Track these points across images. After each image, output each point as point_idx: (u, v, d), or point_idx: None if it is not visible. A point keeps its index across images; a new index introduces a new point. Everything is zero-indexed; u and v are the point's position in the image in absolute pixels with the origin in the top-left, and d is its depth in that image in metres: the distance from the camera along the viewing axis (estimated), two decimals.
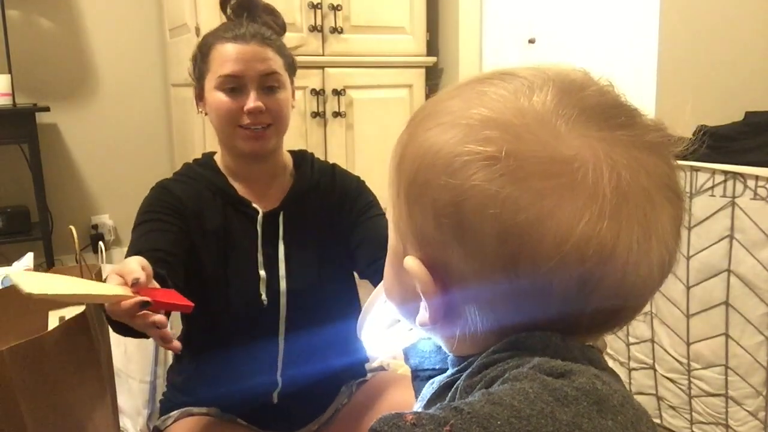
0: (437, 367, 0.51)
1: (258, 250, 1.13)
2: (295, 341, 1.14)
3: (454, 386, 0.42)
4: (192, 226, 1.11)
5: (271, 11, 1.20)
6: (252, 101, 1.07)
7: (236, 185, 1.15)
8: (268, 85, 1.10)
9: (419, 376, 0.52)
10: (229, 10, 1.18)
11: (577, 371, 0.35)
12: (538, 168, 0.37)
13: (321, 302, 1.16)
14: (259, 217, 1.13)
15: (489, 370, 0.38)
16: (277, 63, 1.11)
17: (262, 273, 1.12)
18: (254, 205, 1.14)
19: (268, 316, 1.13)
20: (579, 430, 0.31)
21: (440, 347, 0.50)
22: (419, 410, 0.34)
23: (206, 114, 1.15)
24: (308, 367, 1.15)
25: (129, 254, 1.03)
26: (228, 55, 1.08)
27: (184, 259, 1.07)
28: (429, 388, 0.48)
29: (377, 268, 1.10)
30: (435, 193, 0.39)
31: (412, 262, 0.41)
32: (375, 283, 1.14)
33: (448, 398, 0.42)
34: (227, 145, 1.14)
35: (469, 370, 0.40)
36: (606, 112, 0.39)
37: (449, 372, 0.46)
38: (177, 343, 0.85)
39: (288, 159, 1.21)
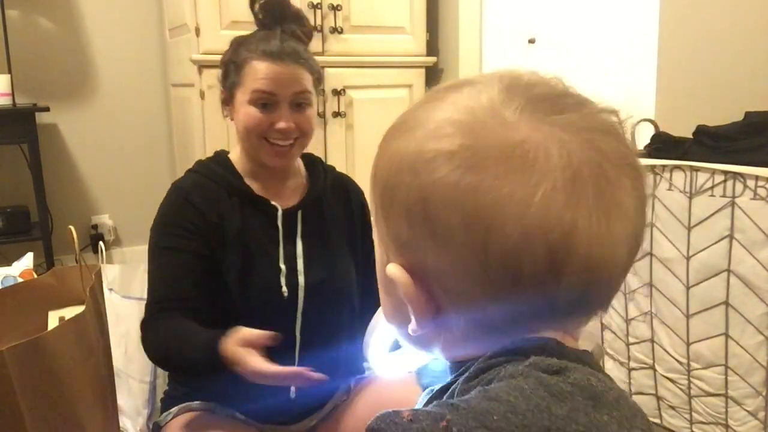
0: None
1: (279, 245, 1.16)
2: (310, 335, 1.17)
3: (450, 389, 0.42)
4: (213, 236, 1.13)
5: (299, 17, 1.21)
6: (284, 122, 1.12)
7: (252, 185, 1.19)
8: (298, 102, 1.14)
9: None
10: (257, 8, 1.19)
11: (572, 368, 0.36)
12: (492, 154, 0.39)
13: (337, 297, 1.20)
14: (279, 214, 1.17)
15: (486, 374, 0.39)
16: (308, 82, 1.15)
17: (283, 266, 1.15)
18: (273, 203, 1.17)
19: (286, 309, 1.15)
20: (575, 424, 0.32)
21: (450, 366, 0.50)
22: (416, 408, 0.34)
23: (232, 119, 1.18)
24: (323, 361, 1.17)
25: (158, 296, 1.10)
26: (263, 74, 1.11)
27: (205, 287, 1.13)
28: (427, 395, 0.48)
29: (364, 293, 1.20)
30: (404, 194, 0.42)
31: (393, 268, 0.43)
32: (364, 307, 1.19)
33: (445, 398, 0.43)
34: (250, 154, 1.18)
35: (466, 374, 0.41)
36: (553, 99, 0.41)
37: (448, 379, 0.46)
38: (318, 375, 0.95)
39: (299, 162, 1.25)
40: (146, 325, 1.11)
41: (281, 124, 1.12)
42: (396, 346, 0.59)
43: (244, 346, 0.95)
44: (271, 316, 1.13)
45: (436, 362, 0.53)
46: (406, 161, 0.42)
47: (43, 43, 2.88)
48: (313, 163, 1.26)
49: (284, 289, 1.14)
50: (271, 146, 1.14)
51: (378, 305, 0.51)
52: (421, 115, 0.44)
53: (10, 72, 2.61)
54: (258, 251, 1.14)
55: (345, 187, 1.27)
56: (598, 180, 0.39)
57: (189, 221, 1.12)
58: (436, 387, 0.47)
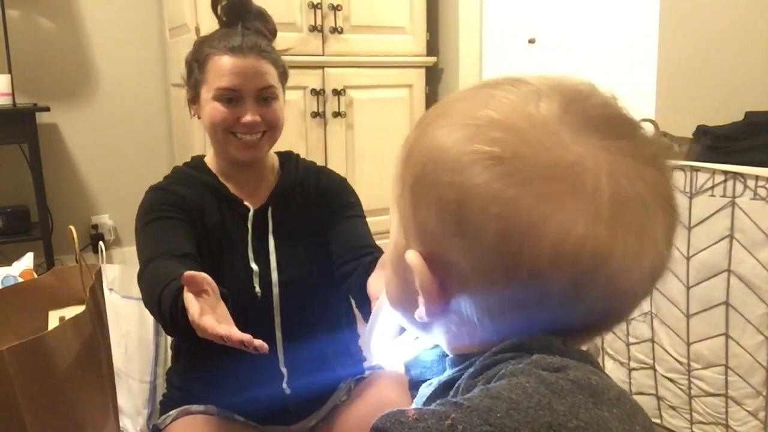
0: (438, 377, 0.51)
1: (248, 245, 1.16)
2: (291, 331, 1.17)
3: (455, 385, 0.42)
4: (195, 219, 1.14)
5: (262, 15, 1.22)
6: (249, 115, 1.11)
7: (227, 184, 1.19)
8: (264, 96, 1.13)
9: (418, 387, 0.52)
10: (220, 11, 1.19)
11: (572, 366, 0.36)
12: (541, 171, 0.38)
13: (312, 292, 1.20)
14: (250, 214, 1.17)
15: (491, 371, 0.39)
16: (272, 76, 1.14)
17: (254, 266, 1.15)
18: (245, 203, 1.18)
19: (262, 307, 1.16)
20: (576, 419, 0.32)
21: (441, 357, 0.50)
22: (421, 407, 0.35)
23: (199, 118, 1.18)
24: (309, 354, 1.18)
25: (148, 255, 1.05)
26: (226, 69, 1.11)
27: (197, 252, 1.10)
28: (427, 388, 0.48)
29: (344, 272, 1.14)
30: (440, 189, 0.40)
31: (412, 255, 0.42)
32: (341, 287, 1.17)
33: (450, 396, 0.42)
34: (219, 151, 1.18)
35: (471, 370, 0.41)
36: (609, 122, 0.41)
37: (448, 372, 0.46)
38: (259, 342, 0.85)
39: (274, 159, 1.25)
40: (139, 278, 1.08)
41: (247, 118, 1.11)
42: (397, 334, 0.59)
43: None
44: (248, 317, 1.13)
45: (426, 353, 0.53)
46: (448, 156, 0.40)
47: (43, 43, 2.88)
48: (288, 160, 1.26)
49: (257, 289, 1.14)
50: (238, 140, 1.13)
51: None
52: (470, 108, 0.42)
53: (10, 72, 2.61)
54: (230, 250, 1.15)
55: (317, 174, 1.25)
56: (640, 214, 0.39)
57: (171, 201, 1.13)
58: (435, 380, 0.47)
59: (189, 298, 0.83)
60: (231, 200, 1.17)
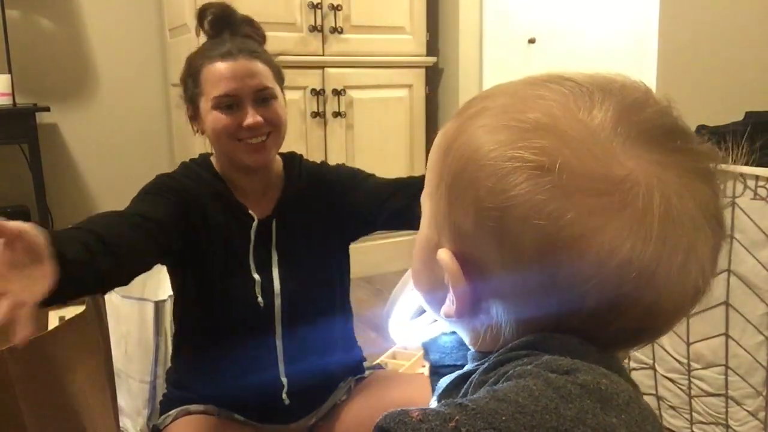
0: (458, 363, 0.50)
1: (250, 255, 1.14)
2: (292, 341, 1.16)
3: (469, 379, 0.42)
4: (197, 216, 1.12)
5: (250, 22, 1.21)
6: (250, 117, 1.09)
7: (233, 189, 1.17)
8: (262, 97, 1.12)
9: (438, 372, 0.52)
10: (206, 26, 1.18)
11: (582, 369, 0.35)
12: (589, 185, 0.36)
13: (314, 303, 1.19)
14: (254, 224, 1.15)
15: (504, 367, 0.38)
16: (267, 76, 1.13)
17: (257, 276, 1.14)
18: (250, 211, 1.16)
19: (264, 317, 1.15)
20: (583, 426, 0.31)
21: (461, 344, 0.50)
22: (424, 407, 0.34)
23: (203, 133, 1.16)
24: (309, 365, 1.17)
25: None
26: (220, 75, 1.09)
27: (174, 233, 1.05)
28: (445, 380, 0.48)
29: (393, 209, 1.13)
30: (480, 193, 0.39)
31: (445, 255, 0.41)
32: (391, 221, 1.15)
33: (462, 391, 0.42)
34: (228, 158, 1.15)
35: (486, 365, 0.40)
36: (663, 134, 0.39)
37: (468, 366, 0.46)
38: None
39: (279, 164, 1.23)
40: None
41: (249, 120, 1.09)
42: (417, 315, 0.59)
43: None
44: (249, 325, 1.14)
45: (445, 338, 0.53)
46: (491, 160, 0.38)
47: (43, 43, 2.88)
48: (291, 164, 1.23)
49: (260, 299, 1.13)
50: (245, 145, 1.11)
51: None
52: (517, 107, 0.40)
53: (10, 72, 2.61)
54: (234, 257, 1.14)
55: (321, 178, 1.23)
56: (688, 233, 0.37)
57: (171, 187, 1.11)
58: (454, 375, 0.47)
59: None
60: (235, 207, 1.15)
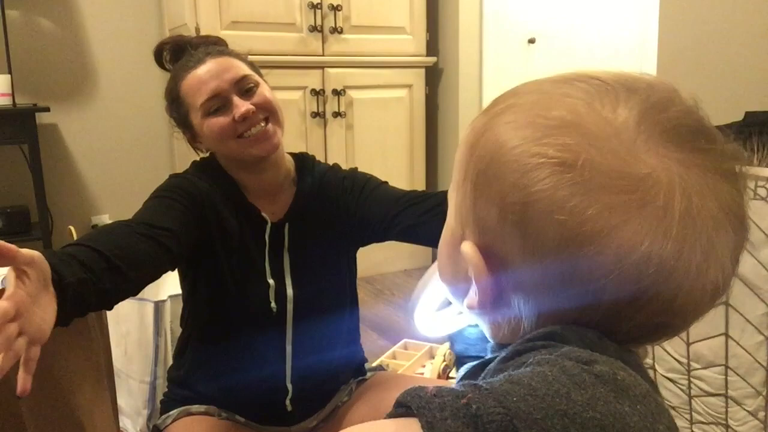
0: (482, 355, 0.51)
1: (265, 259, 1.14)
2: (301, 345, 1.16)
3: (487, 368, 0.42)
4: (211, 219, 1.10)
5: (207, 37, 1.20)
6: (240, 108, 1.07)
7: (244, 192, 1.15)
8: (246, 88, 1.10)
9: (463, 363, 0.52)
10: (167, 59, 1.17)
11: (601, 361, 0.35)
12: (611, 182, 0.37)
13: (326, 307, 1.18)
14: (268, 227, 1.14)
15: (521, 357, 0.38)
16: (241, 67, 1.11)
17: (271, 281, 1.13)
18: (263, 214, 1.14)
19: (276, 322, 1.14)
20: (592, 411, 0.32)
21: (485, 336, 0.50)
22: (440, 386, 0.35)
23: (207, 150, 1.15)
24: (315, 370, 1.17)
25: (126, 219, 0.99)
26: (197, 82, 1.09)
27: (187, 240, 1.03)
28: (465, 369, 0.48)
29: (404, 225, 1.10)
30: (504, 188, 0.40)
31: (468, 248, 0.42)
32: (399, 237, 1.13)
33: (479, 378, 0.42)
34: (237, 160, 1.13)
35: (504, 354, 0.40)
36: (688, 133, 0.39)
37: (487, 357, 0.47)
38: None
39: (290, 164, 1.21)
40: None
41: (240, 110, 1.07)
42: (442, 306, 0.59)
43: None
44: (260, 329, 1.13)
45: (471, 330, 0.54)
46: (515, 156, 0.39)
47: (43, 43, 2.88)
48: (303, 166, 1.21)
49: (273, 304, 1.13)
50: (248, 139, 1.09)
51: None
52: (543, 105, 0.41)
53: (10, 72, 2.61)
54: (248, 260, 1.13)
55: (334, 182, 1.21)
56: (709, 232, 0.38)
57: (184, 190, 1.09)
58: (473, 364, 0.47)
59: (9, 279, 0.70)
60: (249, 210, 1.14)
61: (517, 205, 0.39)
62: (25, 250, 0.69)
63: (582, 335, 0.39)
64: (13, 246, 0.67)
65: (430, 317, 0.60)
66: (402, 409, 0.34)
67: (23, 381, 0.68)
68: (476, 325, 0.53)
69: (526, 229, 0.39)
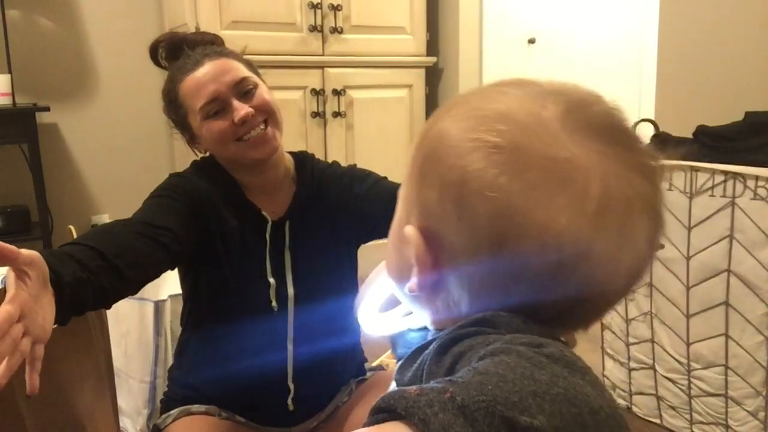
0: None
1: (266, 258, 1.13)
2: (303, 345, 1.16)
3: (424, 353, 0.45)
4: (211, 219, 1.10)
5: (202, 33, 1.19)
6: (239, 111, 1.07)
7: (244, 190, 1.15)
8: (244, 90, 1.09)
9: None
10: (163, 56, 1.16)
11: (546, 344, 0.39)
12: (536, 162, 0.41)
13: (327, 306, 1.17)
14: (268, 226, 1.14)
15: (456, 347, 0.41)
16: (240, 68, 1.10)
17: (272, 280, 1.13)
18: (264, 213, 1.14)
19: (277, 321, 1.14)
20: (557, 387, 0.36)
21: (434, 335, 0.52)
22: (421, 386, 0.37)
23: (206, 150, 1.15)
24: (317, 371, 1.17)
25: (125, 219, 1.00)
26: (195, 85, 1.08)
27: (187, 240, 1.03)
28: (402, 362, 0.51)
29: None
30: (444, 170, 0.44)
31: (411, 230, 0.46)
32: None
33: (418, 361, 0.45)
34: (237, 162, 1.13)
35: (437, 346, 0.43)
36: (608, 130, 0.44)
37: (423, 343, 0.49)
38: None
39: (290, 163, 1.21)
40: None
41: (239, 114, 1.06)
42: (387, 307, 0.60)
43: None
44: (261, 328, 1.13)
45: (413, 334, 0.55)
46: (455, 141, 0.44)
47: (43, 43, 2.88)
48: (303, 164, 1.21)
49: (274, 303, 1.13)
50: (248, 142, 1.09)
51: None
52: (480, 102, 0.46)
53: (10, 72, 2.61)
54: (249, 259, 1.13)
55: (334, 179, 1.21)
56: (624, 216, 0.42)
57: (184, 190, 1.08)
58: (409, 352, 0.49)
59: (10, 281, 0.69)
60: (249, 209, 1.14)
61: (455, 184, 0.43)
62: (25, 251, 0.70)
63: (509, 321, 0.42)
64: (13, 247, 0.68)
65: (374, 315, 0.61)
66: (383, 414, 0.35)
67: (32, 380, 0.69)
68: (420, 329, 0.54)
69: (462, 208, 0.43)
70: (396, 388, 0.37)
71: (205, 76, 1.08)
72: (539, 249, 0.41)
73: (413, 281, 0.46)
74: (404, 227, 0.47)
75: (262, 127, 1.10)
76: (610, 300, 0.45)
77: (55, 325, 0.75)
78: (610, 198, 0.41)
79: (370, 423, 0.36)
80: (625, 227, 0.42)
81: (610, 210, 0.41)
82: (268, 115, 1.11)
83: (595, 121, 0.43)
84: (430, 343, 0.45)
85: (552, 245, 0.41)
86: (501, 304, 0.43)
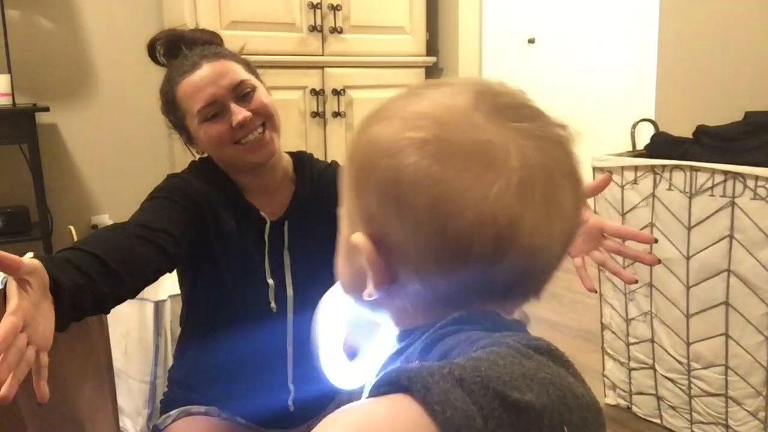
0: None
1: (265, 259, 1.13)
2: (303, 346, 1.15)
3: (404, 354, 0.48)
4: (209, 220, 1.09)
5: (201, 30, 1.18)
6: (237, 115, 1.06)
7: (243, 191, 1.15)
8: (242, 93, 1.09)
9: None
10: (161, 54, 1.16)
11: (534, 338, 0.44)
12: (459, 149, 0.45)
13: None
14: (267, 226, 1.13)
15: (439, 345, 0.45)
16: (238, 71, 1.10)
17: (270, 281, 1.13)
18: (262, 213, 1.14)
19: (276, 322, 1.14)
20: (543, 372, 0.40)
21: (398, 335, 0.54)
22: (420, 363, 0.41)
23: (204, 151, 1.15)
24: (318, 373, 1.16)
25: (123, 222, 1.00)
26: (193, 88, 1.08)
27: (185, 241, 1.03)
28: (376, 369, 0.53)
29: None
30: (379, 174, 0.47)
31: (359, 237, 0.48)
32: None
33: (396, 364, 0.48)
34: (234, 164, 1.13)
35: (420, 345, 0.47)
36: (516, 109, 0.48)
37: (397, 346, 0.52)
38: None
39: (288, 163, 1.20)
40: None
41: (237, 118, 1.06)
42: (351, 356, 0.61)
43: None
44: (261, 330, 1.12)
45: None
46: (384, 145, 0.47)
47: (43, 43, 2.88)
48: (301, 165, 1.21)
49: (272, 304, 1.13)
50: (245, 145, 1.09)
51: None
52: (400, 107, 0.49)
53: (10, 72, 2.61)
54: (247, 260, 1.12)
55: (333, 179, 1.19)
56: (545, 183, 0.46)
57: (182, 191, 1.08)
58: (387, 359, 0.52)
59: (11, 290, 0.70)
60: (247, 209, 1.13)
61: (391, 184, 0.46)
62: (26, 260, 0.70)
63: (485, 315, 0.47)
64: (16, 257, 0.69)
65: (343, 367, 0.62)
66: (385, 388, 0.38)
67: (40, 388, 0.70)
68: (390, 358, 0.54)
69: (401, 204, 0.46)
70: (398, 366, 0.39)
71: (203, 79, 1.07)
72: (478, 224, 0.44)
73: (370, 286, 0.49)
74: (351, 237, 0.49)
75: (260, 130, 1.09)
76: (552, 264, 0.49)
77: (54, 332, 0.76)
78: (530, 168, 0.45)
79: (372, 397, 0.38)
80: (549, 193, 0.46)
81: (533, 179, 0.45)
82: (266, 118, 1.11)
83: (502, 102, 0.48)
84: (404, 349, 0.49)
85: (488, 218, 0.44)
86: (457, 286, 0.47)
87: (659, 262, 0.99)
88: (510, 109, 0.47)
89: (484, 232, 0.44)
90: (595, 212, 1.03)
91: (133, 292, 0.92)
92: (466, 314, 0.47)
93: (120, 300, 0.89)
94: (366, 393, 0.40)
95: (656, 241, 1.04)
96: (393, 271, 0.48)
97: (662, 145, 1.73)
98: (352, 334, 0.70)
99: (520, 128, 0.46)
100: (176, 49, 1.15)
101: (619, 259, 1.02)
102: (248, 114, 1.07)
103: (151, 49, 1.17)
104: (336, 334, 0.59)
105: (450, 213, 0.44)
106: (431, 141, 0.45)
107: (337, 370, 0.63)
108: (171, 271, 1.07)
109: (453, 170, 0.45)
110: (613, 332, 1.84)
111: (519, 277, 0.47)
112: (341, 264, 0.55)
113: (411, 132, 0.46)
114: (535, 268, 0.48)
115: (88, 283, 0.81)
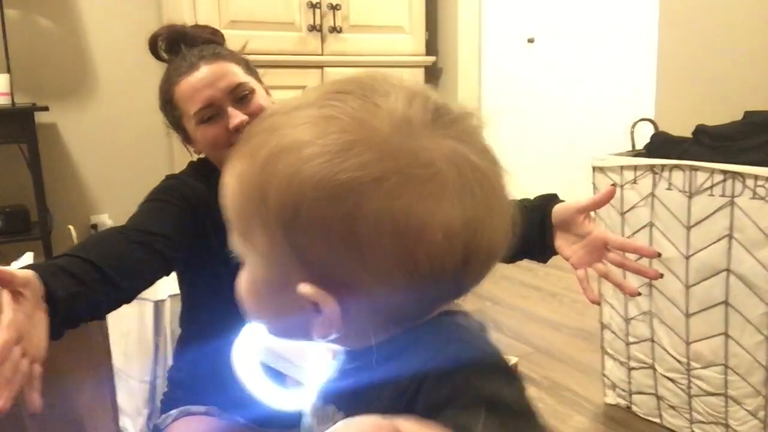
0: None
1: None
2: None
3: (361, 372, 0.48)
4: (207, 221, 1.09)
5: (203, 27, 1.18)
6: (234, 119, 1.05)
7: None
8: (240, 96, 1.08)
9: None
10: (163, 49, 1.15)
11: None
12: (413, 178, 0.42)
13: None
14: None
15: (406, 356, 0.45)
16: (236, 73, 1.09)
17: None
18: None
19: None
20: (502, 355, 0.45)
21: (348, 354, 0.52)
22: None
23: (201, 151, 1.15)
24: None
25: (120, 226, 1.00)
26: (190, 90, 1.07)
27: (183, 244, 1.03)
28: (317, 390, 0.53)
29: None
30: (326, 221, 0.42)
31: (307, 288, 0.44)
32: None
33: (385, 396, 0.46)
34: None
35: (383, 361, 0.46)
36: (440, 115, 0.45)
37: (347, 366, 0.51)
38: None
39: None
40: None
41: (234, 122, 1.05)
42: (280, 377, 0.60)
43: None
44: None
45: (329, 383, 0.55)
46: (325, 189, 0.41)
47: (42, 43, 2.87)
48: None
49: None
50: None
51: None
52: (317, 134, 0.43)
53: (9, 72, 2.61)
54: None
55: None
56: (486, 186, 0.45)
57: (179, 192, 1.08)
58: (328, 380, 0.52)
59: (4, 303, 0.70)
60: None
61: (346, 230, 0.42)
62: (20, 272, 0.70)
63: (439, 323, 0.48)
64: (10, 269, 0.69)
65: (271, 390, 0.62)
66: None
67: (32, 399, 0.70)
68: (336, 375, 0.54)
69: (361, 246, 0.42)
70: None
71: (200, 81, 1.06)
72: (447, 245, 0.43)
73: (327, 328, 0.45)
74: (284, 288, 0.45)
75: None
76: (498, 255, 0.49)
77: (48, 340, 0.75)
78: (465, 175, 0.44)
79: None
80: (485, 191, 0.45)
81: (470, 183, 0.44)
82: None
83: (426, 118, 0.45)
84: (360, 368, 0.49)
85: (456, 237, 0.43)
86: (421, 302, 0.46)
87: (662, 276, 0.98)
88: (438, 116, 0.45)
89: (454, 248, 0.44)
90: (595, 213, 1.02)
91: (129, 298, 0.92)
92: (422, 326, 0.47)
93: (116, 306, 0.90)
94: (312, 414, 0.41)
95: (660, 255, 1.03)
96: (351, 307, 0.45)
97: (662, 145, 1.73)
98: (273, 362, 0.69)
99: (451, 135, 0.45)
100: (177, 45, 1.14)
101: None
102: (245, 118, 1.06)
103: (153, 45, 1.17)
104: (255, 366, 0.58)
105: (418, 242, 0.43)
106: (384, 177, 0.42)
107: (269, 395, 0.62)
108: (168, 275, 1.07)
109: (414, 202, 0.42)
110: (613, 332, 1.84)
111: (479, 276, 0.48)
112: (268, 313, 0.51)
113: (354, 170, 0.41)
114: (491, 267, 0.49)
115: (83, 291, 0.81)
